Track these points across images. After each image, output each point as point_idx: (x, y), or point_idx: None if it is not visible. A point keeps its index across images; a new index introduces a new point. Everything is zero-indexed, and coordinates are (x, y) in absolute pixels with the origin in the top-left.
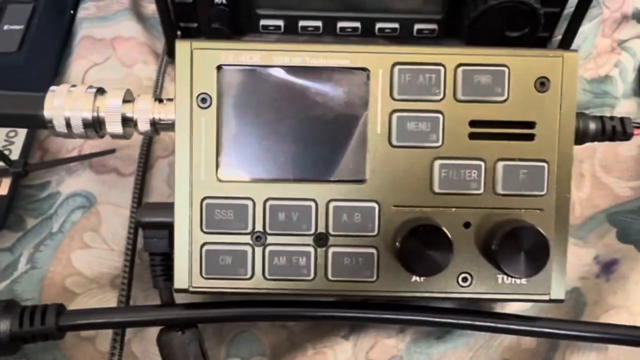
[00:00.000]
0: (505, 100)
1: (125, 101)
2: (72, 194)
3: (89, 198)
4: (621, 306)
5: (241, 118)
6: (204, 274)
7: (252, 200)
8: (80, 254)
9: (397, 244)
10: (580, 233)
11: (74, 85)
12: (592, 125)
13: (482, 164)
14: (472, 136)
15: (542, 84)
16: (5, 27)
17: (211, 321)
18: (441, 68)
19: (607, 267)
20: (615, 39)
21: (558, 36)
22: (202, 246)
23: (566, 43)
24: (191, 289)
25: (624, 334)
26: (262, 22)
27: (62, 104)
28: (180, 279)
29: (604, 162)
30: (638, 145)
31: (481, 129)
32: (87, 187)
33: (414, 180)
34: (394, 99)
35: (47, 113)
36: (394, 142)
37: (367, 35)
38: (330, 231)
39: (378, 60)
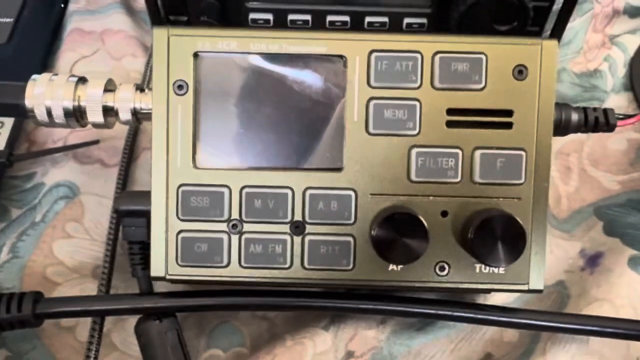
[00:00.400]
0: (482, 88)
1: (106, 90)
2: (55, 184)
3: (73, 188)
4: (604, 299)
5: (218, 105)
6: (180, 262)
7: (229, 188)
8: (62, 243)
9: (372, 232)
10: (566, 226)
11: (55, 74)
12: (575, 116)
13: (460, 152)
14: (450, 124)
15: (520, 72)
16: None
17: (189, 310)
18: (418, 55)
19: (592, 260)
20: (607, 34)
21: (548, 31)
22: (178, 233)
23: (555, 37)
24: (167, 277)
25: (604, 325)
26: (251, 15)
27: (43, 93)
28: (157, 267)
29: (592, 155)
30: (627, 139)
31: (458, 117)
32: (70, 178)
33: (391, 168)
34: (371, 87)
35: (29, 102)
36: (371, 130)
37: (356, 29)
38: (307, 219)
39: (355, 47)
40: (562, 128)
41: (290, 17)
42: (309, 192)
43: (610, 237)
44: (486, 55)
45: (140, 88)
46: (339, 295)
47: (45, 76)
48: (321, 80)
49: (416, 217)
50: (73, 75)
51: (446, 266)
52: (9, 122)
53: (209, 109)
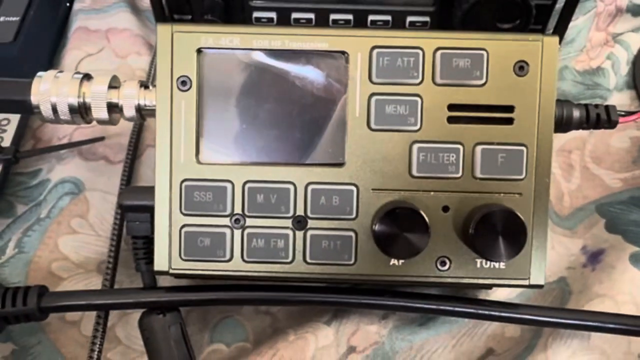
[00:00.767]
0: (484, 84)
1: (111, 87)
2: (61, 180)
3: (78, 185)
4: (606, 295)
5: (221, 101)
6: (183, 256)
7: (231, 183)
8: (67, 239)
9: (374, 226)
10: (568, 224)
11: (61, 71)
12: (576, 113)
13: (461, 147)
14: (451, 120)
15: (521, 67)
16: (2, 19)
17: (192, 304)
18: (420, 51)
19: (594, 257)
20: (610, 32)
21: (551, 29)
22: (181, 228)
23: (558, 35)
24: (171, 271)
25: (606, 321)
26: (255, 14)
27: (48, 90)
28: (160, 261)
29: (594, 153)
30: (629, 137)
31: (460, 113)
32: (76, 174)
33: (392, 163)
34: (372, 82)
35: (34, 98)
36: (373, 125)
37: (359, 27)
38: (309, 214)
39: (357, 43)
40: (564, 125)
41: (294, 15)
42: (311, 187)
43: (612, 234)
44: (487, 51)
45: (144, 85)
46: (341, 290)
47: (50, 73)
48: (323, 76)
49: (417, 212)
50: (78, 72)
51: (447, 261)
52: (14, 119)
53: (212, 105)
